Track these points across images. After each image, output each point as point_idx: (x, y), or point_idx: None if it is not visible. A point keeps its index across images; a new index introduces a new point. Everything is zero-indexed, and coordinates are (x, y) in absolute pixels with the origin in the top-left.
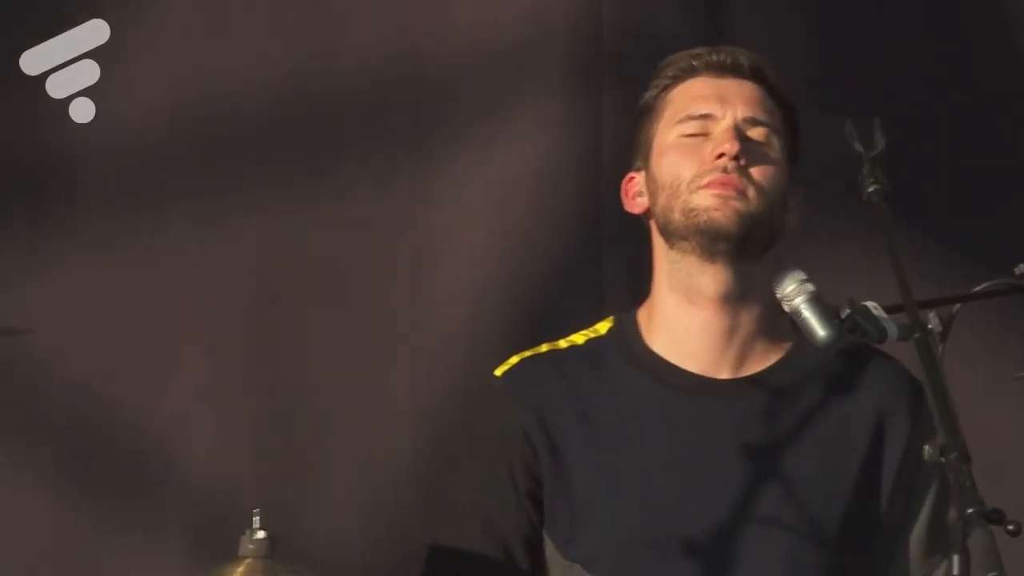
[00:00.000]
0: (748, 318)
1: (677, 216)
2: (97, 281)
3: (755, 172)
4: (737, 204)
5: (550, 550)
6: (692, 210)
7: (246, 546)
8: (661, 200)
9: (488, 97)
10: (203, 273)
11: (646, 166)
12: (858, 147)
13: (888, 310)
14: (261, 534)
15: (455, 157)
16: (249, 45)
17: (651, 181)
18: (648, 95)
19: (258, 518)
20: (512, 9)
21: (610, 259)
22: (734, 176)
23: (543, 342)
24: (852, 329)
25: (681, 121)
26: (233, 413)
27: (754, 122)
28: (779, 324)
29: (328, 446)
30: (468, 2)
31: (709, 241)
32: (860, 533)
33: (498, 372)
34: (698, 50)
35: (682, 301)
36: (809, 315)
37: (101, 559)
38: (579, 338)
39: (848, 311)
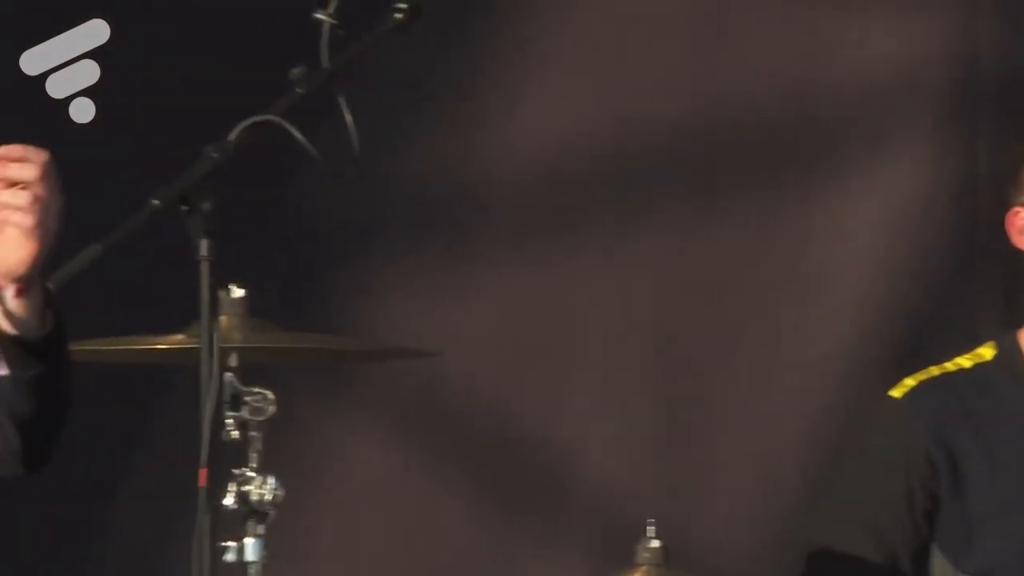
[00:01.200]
0: None
1: None
2: (504, 305)
3: None
4: None
5: (939, 564)
6: None
7: (641, 554)
8: None
9: (868, 131)
10: (604, 296)
11: None
12: None
13: None
14: (656, 543)
15: (839, 189)
16: (649, 75)
17: None
18: None
19: (653, 528)
20: (891, 47)
21: (984, 289)
22: None
23: (919, 366)
24: None
25: None
26: (630, 429)
27: None
28: None
29: (720, 460)
30: (849, 41)
31: None
32: None
33: (897, 394)
34: None
35: None
36: None
37: (509, 564)
38: (966, 362)
39: None
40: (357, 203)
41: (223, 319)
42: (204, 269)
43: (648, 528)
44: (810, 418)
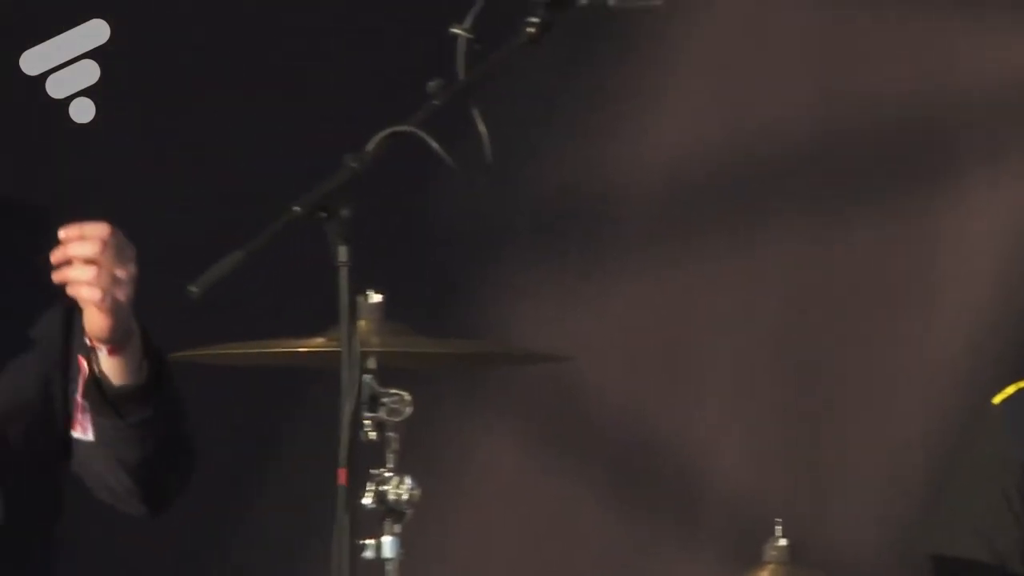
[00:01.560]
0: None
1: None
2: (636, 312)
3: None
4: None
5: None
6: None
7: (769, 552)
8: None
9: (989, 139)
10: (733, 303)
11: None
12: None
13: None
14: (783, 542)
15: (960, 197)
16: (774, 86)
17: None
18: None
19: (780, 527)
20: (1011, 54)
21: None
22: None
23: None
24: None
25: None
26: (758, 432)
27: None
28: None
29: (846, 462)
30: (969, 48)
31: None
32: None
33: (996, 400)
34: None
35: None
36: None
37: (641, 564)
38: None
39: None
40: (491, 212)
41: (361, 323)
42: (343, 274)
43: (776, 528)
44: (933, 421)
